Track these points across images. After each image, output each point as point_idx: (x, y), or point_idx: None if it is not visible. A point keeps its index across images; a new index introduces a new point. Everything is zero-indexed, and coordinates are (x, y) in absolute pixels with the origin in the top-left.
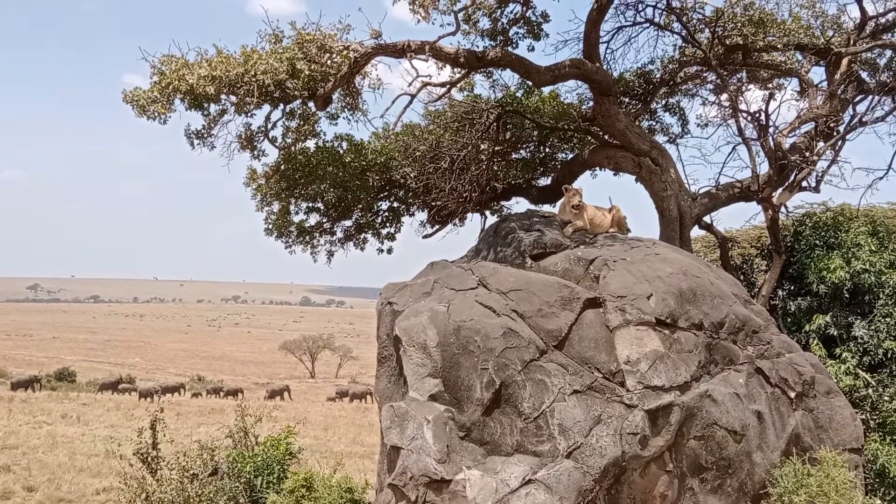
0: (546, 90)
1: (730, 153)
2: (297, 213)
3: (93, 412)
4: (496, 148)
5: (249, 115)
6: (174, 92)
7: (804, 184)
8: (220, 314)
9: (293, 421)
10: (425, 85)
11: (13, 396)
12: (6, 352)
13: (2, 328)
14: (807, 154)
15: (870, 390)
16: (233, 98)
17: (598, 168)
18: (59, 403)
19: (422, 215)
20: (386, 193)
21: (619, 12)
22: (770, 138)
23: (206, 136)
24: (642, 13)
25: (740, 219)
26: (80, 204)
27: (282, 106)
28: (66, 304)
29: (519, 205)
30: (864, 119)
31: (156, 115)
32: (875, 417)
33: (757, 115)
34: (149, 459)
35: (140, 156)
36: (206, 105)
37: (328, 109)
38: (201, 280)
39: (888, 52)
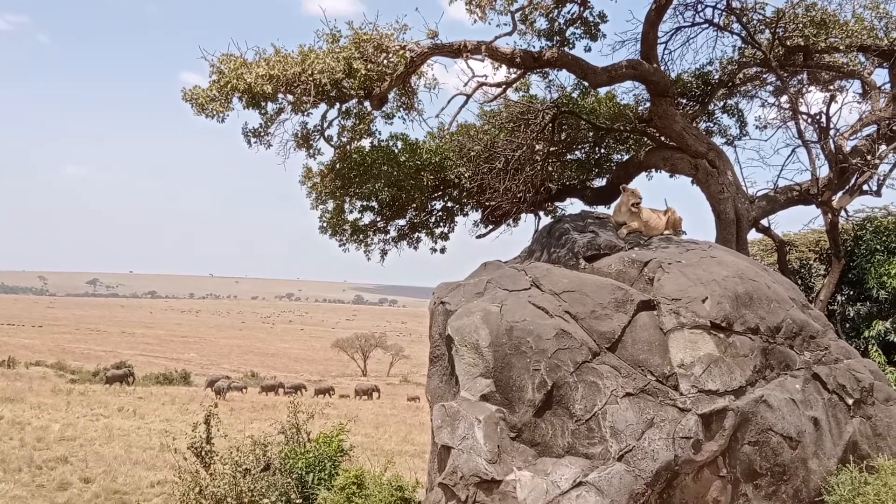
0: (602, 91)
1: (789, 156)
2: (351, 211)
3: (148, 406)
4: (551, 148)
5: (306, 113)
6: (232, 91)
7: (865, 187)
8: (274, 311)
9: (344, 418)
10: (481, 85)
11: (71, 389)
12: (65, 345)
13: (63, 322)
14: (868, 157)
15: None
16: (290, 97)
17: (653, 169)
18: (116, 397)
19: (475, 215)
20: (440, 193)
21: (677, 13)
22: (831, 141)
23: (262, 134)
24: (701, 14)
25: (799, 222)
26: (138, 201)
27: (338, 105)
28: (124, 300)
29: (573, 206)
30: None
31: (214, 113)
32: None
33: (817, 117)
34: (203, 454)
35: (196, 154)
36: (263, 104)
37: (384, 109)
38: (256, 277)
39: None
